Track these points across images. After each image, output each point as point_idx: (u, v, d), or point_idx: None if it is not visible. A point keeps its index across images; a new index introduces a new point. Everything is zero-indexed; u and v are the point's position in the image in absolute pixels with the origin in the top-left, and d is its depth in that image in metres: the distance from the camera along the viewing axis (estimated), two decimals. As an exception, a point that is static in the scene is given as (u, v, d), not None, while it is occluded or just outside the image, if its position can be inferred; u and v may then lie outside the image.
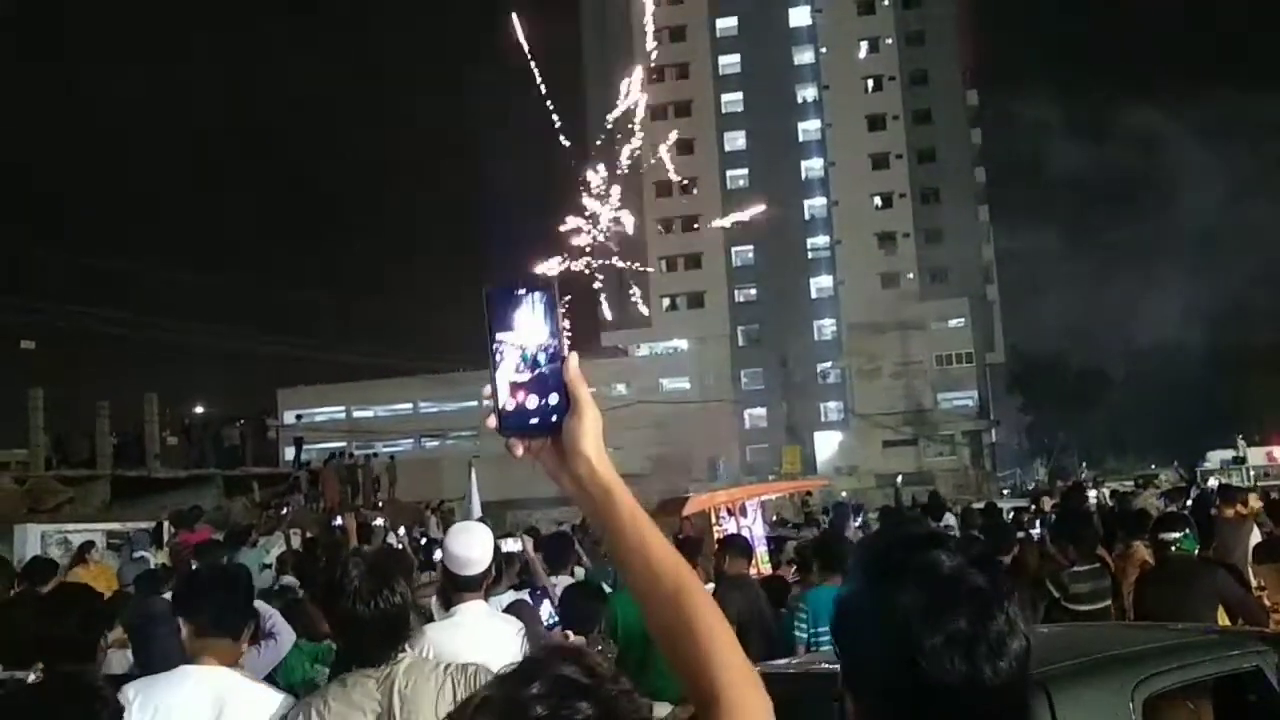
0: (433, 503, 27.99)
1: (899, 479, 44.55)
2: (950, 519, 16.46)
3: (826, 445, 68.31)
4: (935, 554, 1.57)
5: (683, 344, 74.45)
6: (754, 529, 12.45)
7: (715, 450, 59.63)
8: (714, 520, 12.28)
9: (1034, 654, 1.51)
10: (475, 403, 64.18)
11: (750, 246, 76.99)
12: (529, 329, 1.37)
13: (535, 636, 4.50)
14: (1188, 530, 7.13)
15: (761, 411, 73.77)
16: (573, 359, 1.38)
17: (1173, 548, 6.93)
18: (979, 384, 72.34)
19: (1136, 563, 8.00)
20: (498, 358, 1.37)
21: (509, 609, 5.29)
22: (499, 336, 1.37)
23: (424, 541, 17.19)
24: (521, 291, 1.39)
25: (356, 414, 69.38)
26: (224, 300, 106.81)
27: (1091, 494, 20.31)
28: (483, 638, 4.19)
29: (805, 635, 6.59)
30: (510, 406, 1.37)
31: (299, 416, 35.57)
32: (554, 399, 1.37)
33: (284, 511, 20.66)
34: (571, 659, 1.22)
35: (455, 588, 4.52)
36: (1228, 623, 6.54)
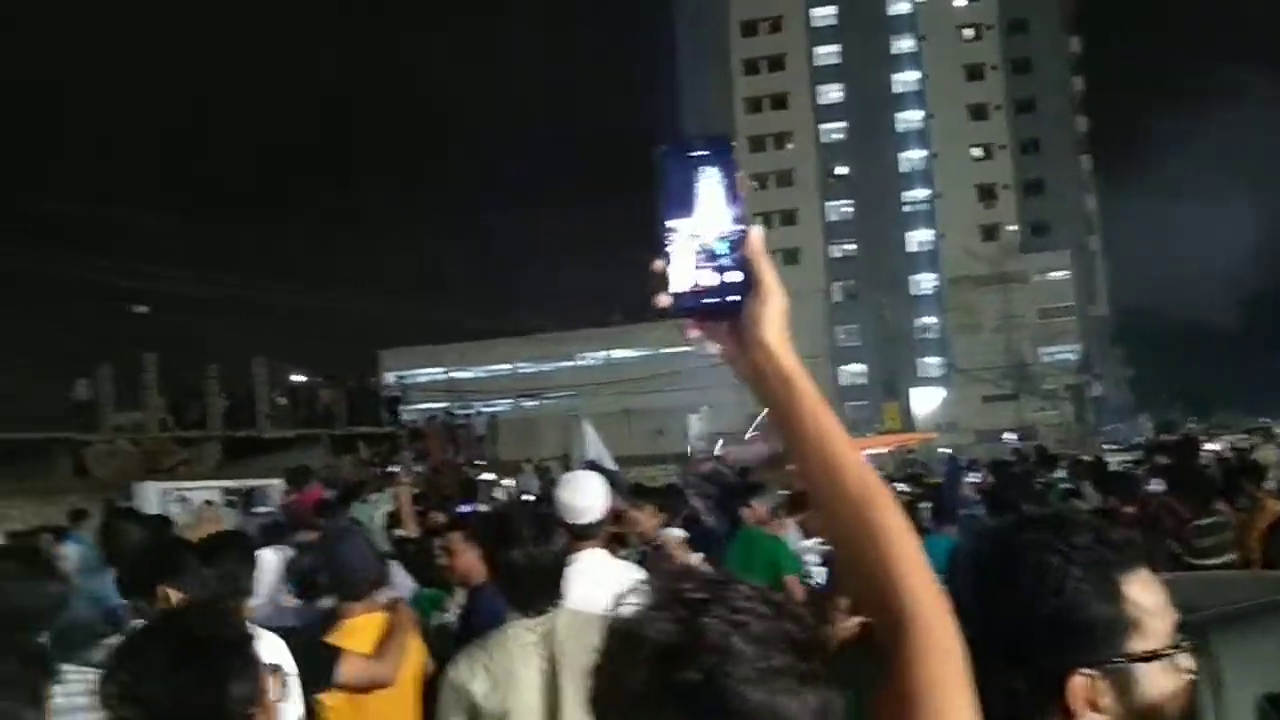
0: (533, 459, 28.22)
1: (1016, 436, 43.62)
2: (1060, 473, 16.16)
3: (925, 401, 67.40)
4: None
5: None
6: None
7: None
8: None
9: (1183, 600, 1.45)
10: (571, 362, 64.66)
11: (847, 201, 75.99)
12: (707, 207, 1.23)
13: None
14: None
15: (859, 368, 73.08)
16: (755, 232, 1.24)
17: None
18: (1081, 337, 70.75)
19: (1268, 516, 7.73)
20: (670, 239, 1.23)
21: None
22: (674, 218, 1.23)
23: (522, 498, 17.34)
24: (700, 153, 1.23)
25: (455, 374, 70.28)
26: (329, 263, 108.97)
27: (1209, 447, 19.78)
28: (606, 583, 4.17)
29: None
30: (685, 286, 1.23)
31: (400, 377, 36.10)
32: (734, 277, 1.23)
33: (391, 470, 20.97)
34: (748, 591, 1.08)
35: (573, 537, 4.51)
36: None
